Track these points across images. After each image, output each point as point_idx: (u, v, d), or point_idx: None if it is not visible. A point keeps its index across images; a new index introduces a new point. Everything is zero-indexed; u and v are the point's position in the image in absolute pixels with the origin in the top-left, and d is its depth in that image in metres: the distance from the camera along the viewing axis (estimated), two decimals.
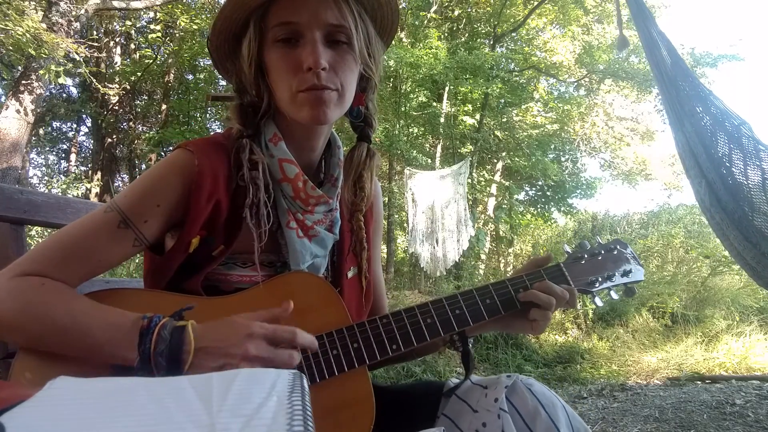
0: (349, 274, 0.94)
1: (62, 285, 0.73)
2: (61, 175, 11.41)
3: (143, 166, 11.74)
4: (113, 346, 0.68)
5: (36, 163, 12.76)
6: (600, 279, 0.95)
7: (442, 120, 9.56)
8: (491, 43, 10.81)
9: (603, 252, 0.98)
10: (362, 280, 0.95)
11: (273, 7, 0.80)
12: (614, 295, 0.97)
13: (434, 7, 10.20)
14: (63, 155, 13.16)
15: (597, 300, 0.96)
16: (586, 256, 0.97)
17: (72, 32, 6.41)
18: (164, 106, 11.20)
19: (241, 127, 0.83)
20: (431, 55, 8.68)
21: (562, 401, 0.84)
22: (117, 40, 11.63)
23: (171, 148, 10.70)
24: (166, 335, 0.66)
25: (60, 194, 6.45)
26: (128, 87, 11.12)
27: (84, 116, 12.11)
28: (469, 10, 11.23)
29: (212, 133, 0.97)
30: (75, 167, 12.49)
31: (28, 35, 5.44)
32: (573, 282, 0.92)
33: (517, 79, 10.83)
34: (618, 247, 0.99)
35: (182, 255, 0.80)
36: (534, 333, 0.90)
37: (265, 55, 0.83)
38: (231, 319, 0.71)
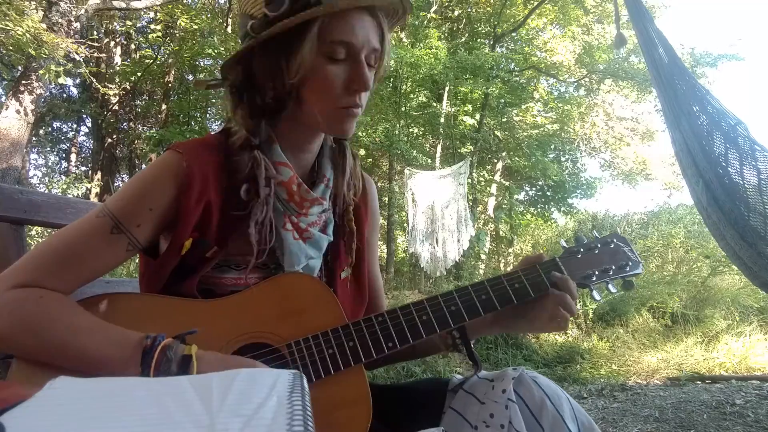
0: (343, 275, 0.94)
1: (61, 297, 0.73)
2: (62, 176, 11.41)
3: (143, 166, 11.71)
4: (113, 364, 0.68)
5: (36, 163, 12.78)
6: (597, 273, 0.94)
7: (442, 120, 9.56)
8: (491, 43, 10.81)
9: (600, 246, 0.97)
10: (358, 281, 0.96)
11: (332, 22, 0.77)
12: (612, 289, 0.96)
13: (434, 7, 10.20)
14: (63, 155, 13.16)
15: (595, 294, 0.96)
16: (582, 250, 0.96)
17: (72, 32, 6.40)
18: (164, 106, 11.19)
19: (250, 135, 0.81)
20: (431, 55, 8.68)
21: (567, 394, 0.85)
22: (117, 40, 11.61)
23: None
24: (171, 356, 0.66)
25: (60, 194, 6.45)
26: (128, 87, 11.10)
27: (84, 116, 12.10)
28: (469, 10, 11.23)
29: (206, 134, 0.94)
30: (75, 167, 12.49)
31: (28, 35, 5.44)
32: (569, 276, 0.92)
33: (517, 79, 10.82)
34: (615, 240, 0.98)
35: (175, 257, 0.80)
36: (536, 332, 0.90)
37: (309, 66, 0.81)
38: (238, 357, 0.73)
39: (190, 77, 11.70)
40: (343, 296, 0.92)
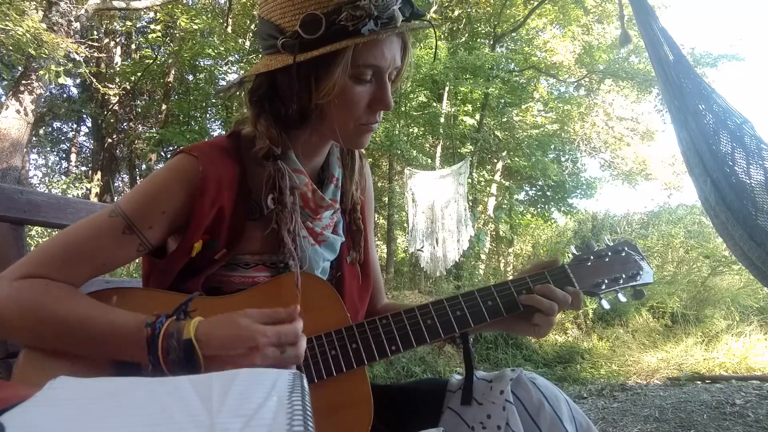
0: (349, 259, 0.96)
1: (65, 285, 0.74)
2: (62, 176, 11.41)
3: (143, 166, 11.72)
4: (117, 347, 0.69)
5: (36, 163, 12.77)
6: (607, 281, 0.92)
7: (442, 120, 9.56)
8: (491, 43, 10.81)
9: (610, 253, 0.95)
10: (363, 264, 0.98)
11: (363, 47, 0.78)
12: (622, 298, 0.94)
13: (434, 7, 10.20)
14: (63, 155, 13.16)
15: (604, 303, 0.94)
16: (592, 257, 0.94)
17: (72, 32, 6.40)
18: (164, 107, 11.18)
19: (273, 145, 0.81)
20: (431, 55, 8.68)
21: (565, 395, 0.85)
22: (117, 40, 11.61)
23: (172, 149, 10.67)
24: (173, 344, 0.66)
25: (60, 194, 6.45)
26: (128, 87, 11.10)
27: (84, 116, 12.10)
28: (469, 10, 11.23)
29: (215, 136, 0.94)
30: (75, 167, 12.49)
31: (28, 35, 5.43)
32: (578, 284, 0.90)
33: (517, 79, 10.82)
34: (626, 248, 0.96)
35: (184, 258, 0.80)
36: (537, 336, 0.89)
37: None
38: (235, 321, 0.69)
39: (190, 77, 11.71)
40: (350, 280, 0.94)
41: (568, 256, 0.98)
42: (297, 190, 0.83)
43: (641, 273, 0.94)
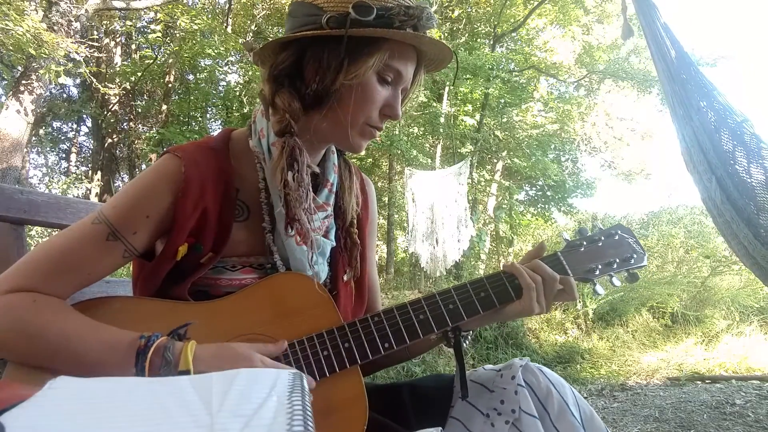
0: (345, 278, 0.94)
1: (54, 300, 0.72)
2: (62, 176, 11.40)
3: (143, 166, 11.70)
4: (108, 368, 0.67)
5: (36, 163, 12.76)
6: (600, 267, 0.91)
7: (442, 120, 9.55)
8: (491, 43, 10.80)
9: (603, 238, 0.94)
10: (358, 282, 0.96)
11: (398, 48, 0.81)
12: (616, 282, 0.93)
13: (434, 7, 10.19)
14: (63, 155, 13.15)
15: (598, 288, 0.93)
16: (585, 243, 0.93)
17: (72, 32, 6.40)
18: (164, 107, 11.17)
19: (292, 119, 0.80)
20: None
21: (569, 384, 0.87)
22: (117, 40, 11.61)
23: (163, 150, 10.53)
24: (169, 357, 0.66)
25: (60, 194, 6.44)
26: (128, 87, 11.09)
27: (84, 116, 12.09)
28: (469, 10, 11.23)
29: (205, 136, 0.94)
30: (75, 167, 12.48)
31: (28, 35, 5.43)
32: (571, 271, 0.89)
33: (517, 79, 10.81)
34: (619, 232, 0.95)
35: (170, 262, 0.79)
36: (524, 314, 0.87)
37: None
38: (234, 351, 0.70)
39: (190, 77, 11.70)
40: (345, 300, 0.93)
41: (563, 243, 0.97)
42: (310, 169, 0.81)
43: (635, 256, 0.93)
